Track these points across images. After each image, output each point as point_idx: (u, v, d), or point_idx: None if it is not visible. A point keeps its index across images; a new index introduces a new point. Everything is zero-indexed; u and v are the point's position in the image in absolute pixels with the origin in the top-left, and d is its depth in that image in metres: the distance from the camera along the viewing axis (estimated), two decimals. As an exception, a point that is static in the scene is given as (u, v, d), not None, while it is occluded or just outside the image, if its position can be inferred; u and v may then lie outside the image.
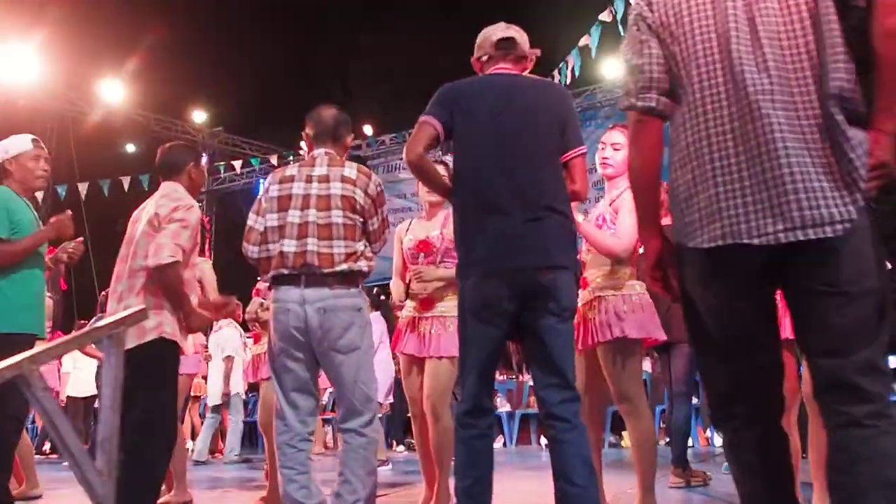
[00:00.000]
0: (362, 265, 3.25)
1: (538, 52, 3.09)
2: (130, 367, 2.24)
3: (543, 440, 9.56)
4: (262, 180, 15.65)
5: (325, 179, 3.25)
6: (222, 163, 16.28)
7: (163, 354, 3.34)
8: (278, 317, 3.21)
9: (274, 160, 15.38)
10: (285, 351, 3.20)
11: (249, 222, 3.32)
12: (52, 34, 13.21)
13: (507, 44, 2.99)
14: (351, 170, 3.30)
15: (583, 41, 11.68)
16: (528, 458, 8.53)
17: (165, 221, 3.40)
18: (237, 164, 15.77)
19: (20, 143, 4.17)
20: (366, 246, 3.29)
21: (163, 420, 3.38)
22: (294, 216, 3.22)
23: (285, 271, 3.20)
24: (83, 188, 14.12)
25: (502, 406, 9.98)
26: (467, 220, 2.87)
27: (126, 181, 14.70)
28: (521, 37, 3.04)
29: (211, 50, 16.69)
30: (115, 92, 14.23)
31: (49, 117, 14.02)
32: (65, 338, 2.04)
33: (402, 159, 15.27)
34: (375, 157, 15.74)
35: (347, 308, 3.18)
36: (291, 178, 3.29)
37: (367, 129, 15.73)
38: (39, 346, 1.97)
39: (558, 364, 2.72)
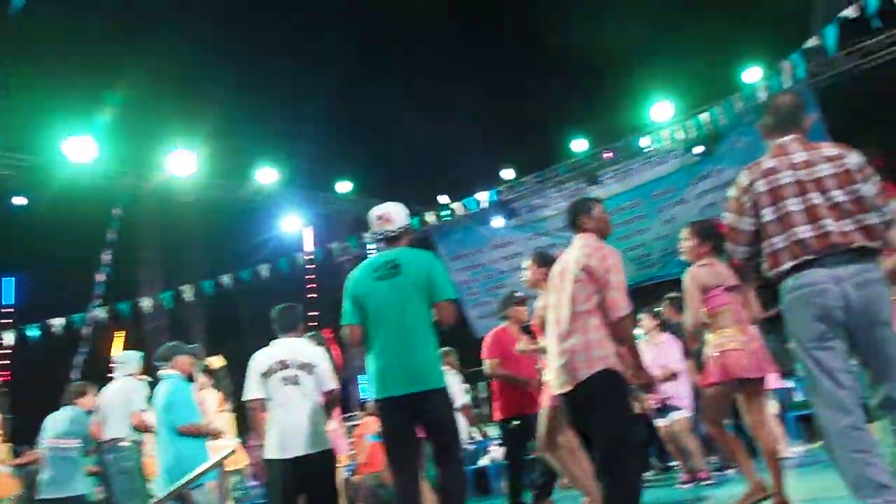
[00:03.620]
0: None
1: None
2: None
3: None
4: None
5: (809, 164, 3.39)
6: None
7: None
8: None
9: (431, 217, 15.39)
10: None
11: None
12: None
13: None
14: (830, 149, 3.42)
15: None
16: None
17: (603, 272, 4.02)
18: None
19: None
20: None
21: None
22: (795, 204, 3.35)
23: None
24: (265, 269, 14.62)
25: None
26: None
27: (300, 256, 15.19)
28: None
29: (343, 118, 17.10)
30: (268, 174, 14.68)
31: (209, 206, 14.62)
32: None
33: (543, 197, 15.60)
34: (518, 198, 15.61)
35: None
36: (775, 171, 3.41)
37: (508, 173, 15.59)
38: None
39: None
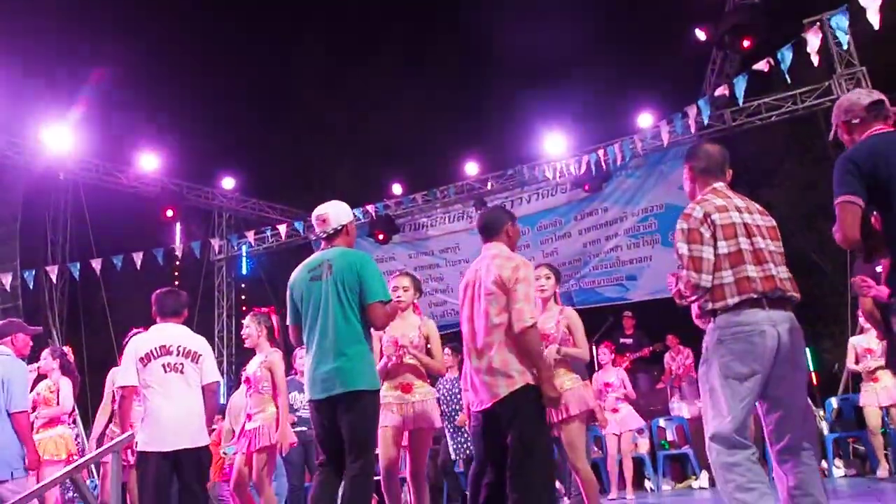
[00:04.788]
0: None
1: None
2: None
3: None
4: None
5: (749, 211, 3.55)
6: (251, 230, 15.96)
7: None
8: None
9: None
10: None
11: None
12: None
13: (878, 106, 3.44)
14: (756, 203, 3.63)
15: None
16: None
17: (512, 283, 4.02)
18: (282, 228, 15.44)
19: (349, 209, 4.67)
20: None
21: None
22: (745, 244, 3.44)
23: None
24: (138, 257, 13.95)
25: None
26: None
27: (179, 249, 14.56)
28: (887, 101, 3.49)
29: (231, 115, 16.66)
30: (148, 160, 14.05)
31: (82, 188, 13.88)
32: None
33: (429, 216, 15.62)
34: (404, 215, 15.51)
35: None
36: (726, 209, 3.49)
37: (397, 188, 15.50)
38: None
39: None
